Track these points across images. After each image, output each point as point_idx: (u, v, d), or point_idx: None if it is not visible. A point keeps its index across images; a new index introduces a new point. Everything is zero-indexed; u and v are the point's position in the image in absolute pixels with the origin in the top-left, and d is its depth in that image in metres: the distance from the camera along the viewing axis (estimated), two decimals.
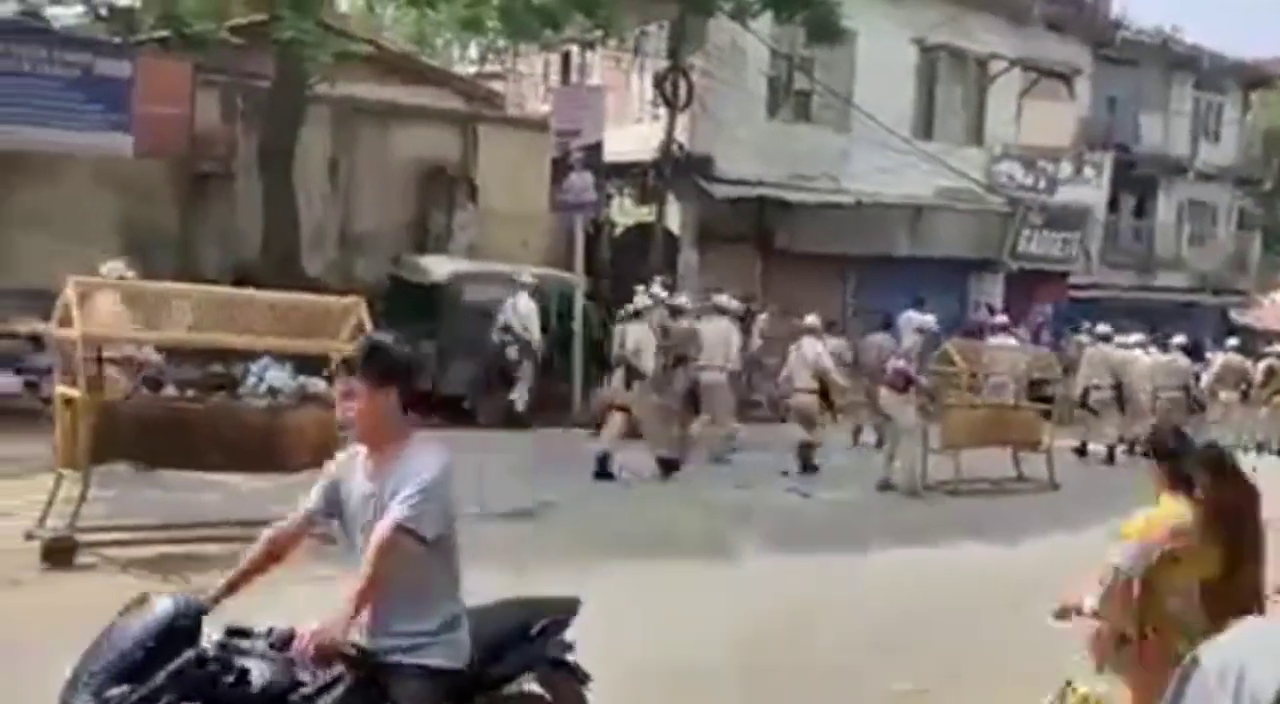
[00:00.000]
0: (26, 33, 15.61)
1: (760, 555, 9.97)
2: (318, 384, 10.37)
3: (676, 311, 14.44)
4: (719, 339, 14.58)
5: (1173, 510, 4.50)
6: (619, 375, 13.58)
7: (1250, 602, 4.27)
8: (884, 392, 13.94)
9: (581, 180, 18.35)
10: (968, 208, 24.60)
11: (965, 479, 13.63)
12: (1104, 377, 18.02)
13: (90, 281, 8.85)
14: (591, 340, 16.99)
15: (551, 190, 18.63)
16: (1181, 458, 4.56)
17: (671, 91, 20.26)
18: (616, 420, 13.33)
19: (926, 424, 13.82)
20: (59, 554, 7.88)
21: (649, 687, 6.54)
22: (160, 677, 3.54)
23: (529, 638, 4.42)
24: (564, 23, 19.01)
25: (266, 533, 4.22)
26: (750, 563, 9.77)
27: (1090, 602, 4.43)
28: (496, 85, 24.57)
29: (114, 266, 11.21)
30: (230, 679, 3.69)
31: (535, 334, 16.07)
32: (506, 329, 15.99)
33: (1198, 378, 19.41)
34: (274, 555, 4.23)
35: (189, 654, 3.63)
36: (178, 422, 8.89)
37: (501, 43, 22.95)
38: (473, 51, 27.23)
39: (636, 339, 13.54)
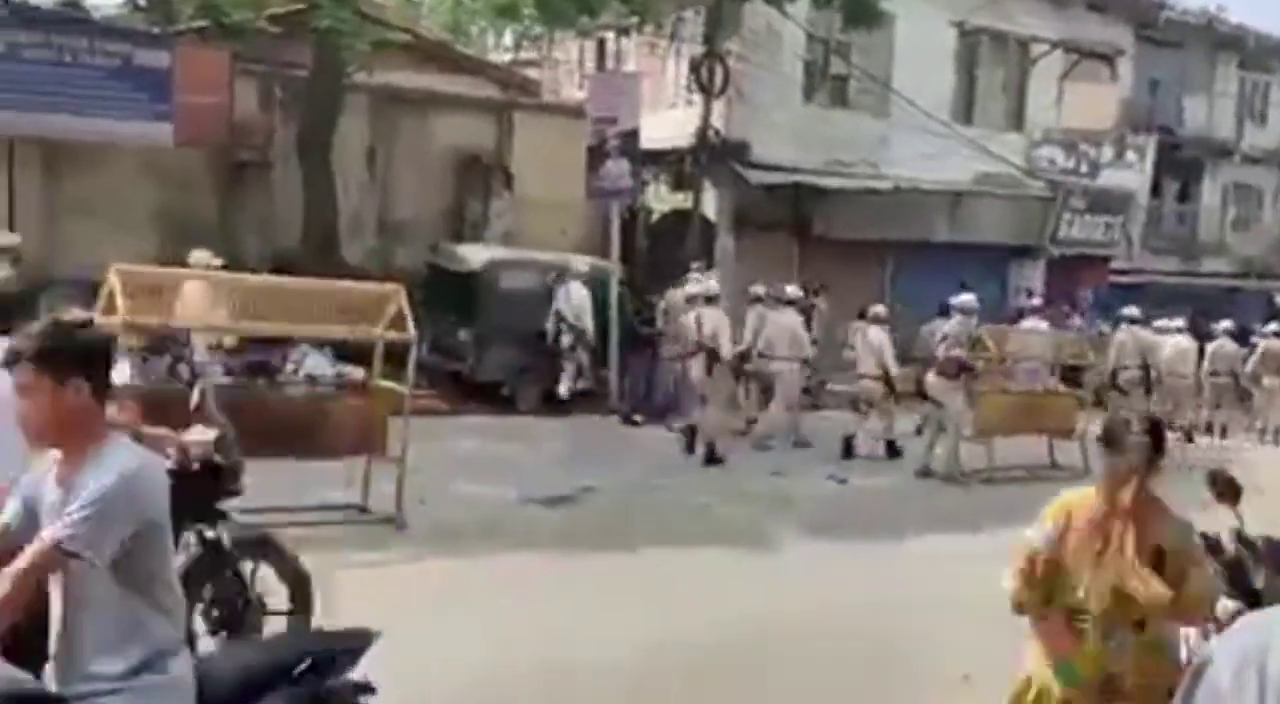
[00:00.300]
0: (67, 23, 15.71)
1: (797, 542, 9.97)
2: (357, 372, 10.41)
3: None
4: (787, 328, 14.89)
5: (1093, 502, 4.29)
6: (699, 361, 13.77)
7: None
8: (931, 377, 13.84)
9: (617, 167, 18.28)
10: (1008, 193, 24.36)
11: (999, 467, 13.52)
12: (1133, 358, 18.02)
13: (132, 269, 8.88)
14: (627, 328, 16.96)
15: (587, 177, 18.58)
16: (1124, 451, 4.28)
17: (707, 77, 20.15)
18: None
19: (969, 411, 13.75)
20: None
21: (678, 668, 6.53)
22: None
23: (291, 678, 3.73)
24: (599, 9, 18.91)
25: None
26: (787, 549, 9.76)
27: (1006, 578, 4.35)
28: (532, 73, 24.52)
29: (200, 256, 11.42)
30: None
31: (588, 323, 16.13)
32: (559, 317, 16.03)
33: (1245, 364, 19.30)
34: None
35: None
36: (223, 408, 8.89)
37: (537, 30, 22.86)
38: (508, 39, 27.16)
39: (714, 324, 13.79)
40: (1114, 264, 26.70)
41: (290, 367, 12.81)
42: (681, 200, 21.21)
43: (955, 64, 23.97)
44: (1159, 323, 19.06)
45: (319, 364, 11.93)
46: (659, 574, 8.60)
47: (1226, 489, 4.76)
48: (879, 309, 15.04)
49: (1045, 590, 4.28)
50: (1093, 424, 14.86)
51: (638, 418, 15.68)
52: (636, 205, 20.87)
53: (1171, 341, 18.67)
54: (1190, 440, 17.88)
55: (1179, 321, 19.20)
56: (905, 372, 15.13)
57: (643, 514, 10.48)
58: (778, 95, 21.17)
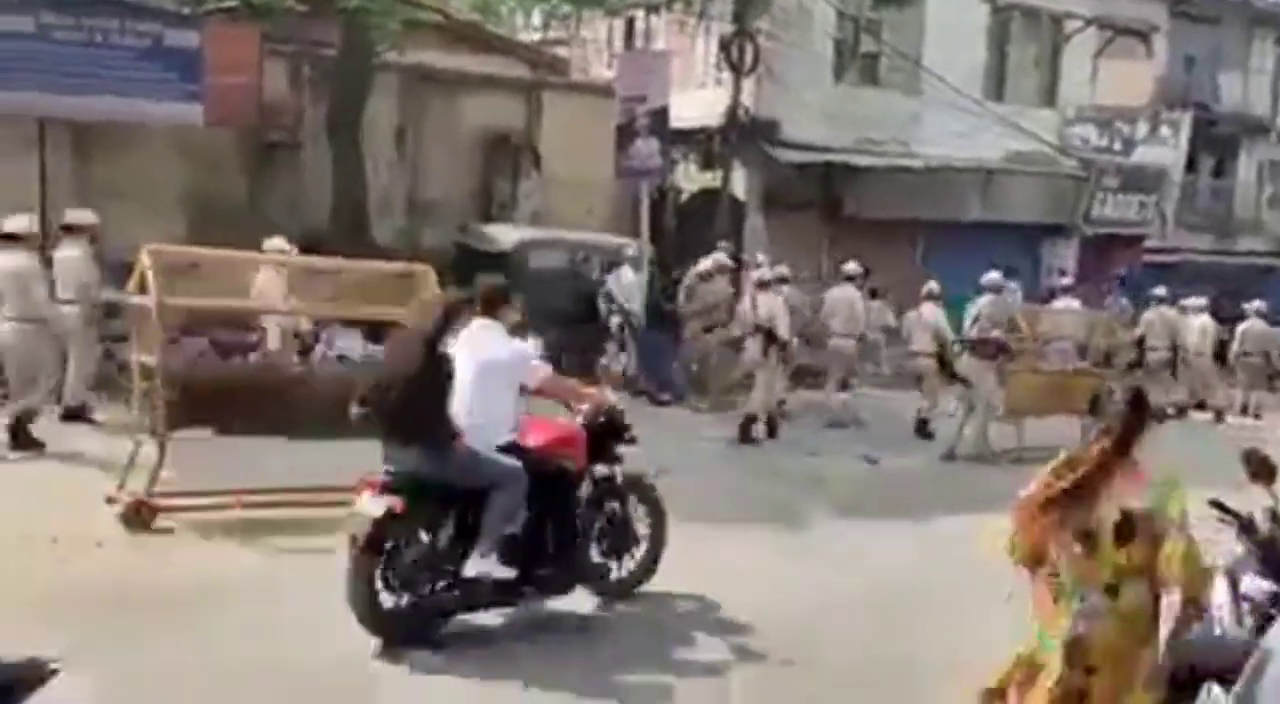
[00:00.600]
0: (97, 4, 15.70)
1: (830, 521, 9.96)
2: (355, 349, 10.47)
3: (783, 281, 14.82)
4: (847, 306, 15.07)
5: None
6: (756, 343, 13.85)
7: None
8: (966, 357, 13.78)
9: (646, 146, 18.25)
10: (1040, 171, 24.19)
11: (1029, 447, 13.45)
12: (1160, 339, 18.04)
13: (164, 249, 8.91)
14: (653, 307, 16.92)
15: (616, 157, 18.55)
16: (1105, 418, 4.46)
17: (737, 56, 20.05)
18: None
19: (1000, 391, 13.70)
20: (139, 518, 7.97)
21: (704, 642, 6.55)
22: None
23: None
24: None
25: None
26: (818, 528, 9.75)
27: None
28: (561, 52, 24.44)
29: (275, 243, 11.56)
30: None
31: (637, 306, 16.19)
32: (610, 298, 16.07)
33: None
34: None
35: None
36: (253, 388, 8.95)
37: (565, 9, 22.79)
38: (536, 18, 27.09)
39: (770, 307, 13.88)
40: (1148, 242, 26.48)
41: (320, 347, 12.87)
42: (711, 180, 21.15)
43: (987, 40, 23.79)
44: (1185, 302, 19.03)
45: (349, 344, 11.95)
46: (692, 553, 8.59)
47: (1261, 469, 4.75)
48: (933, 286, 15.07)
49: (1037, 552, 4.42)
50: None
51: (665, 396, 15.69)
52: (665, 185, 20.81)
53: (1198, 322, 18.65)
54: (1220, 420, 17.80)
55: (1201, 301, 19.12)
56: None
57: (676, 494, 10.44)
58: (808, 73, 21.05)
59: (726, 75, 20.47)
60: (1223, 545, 4.83)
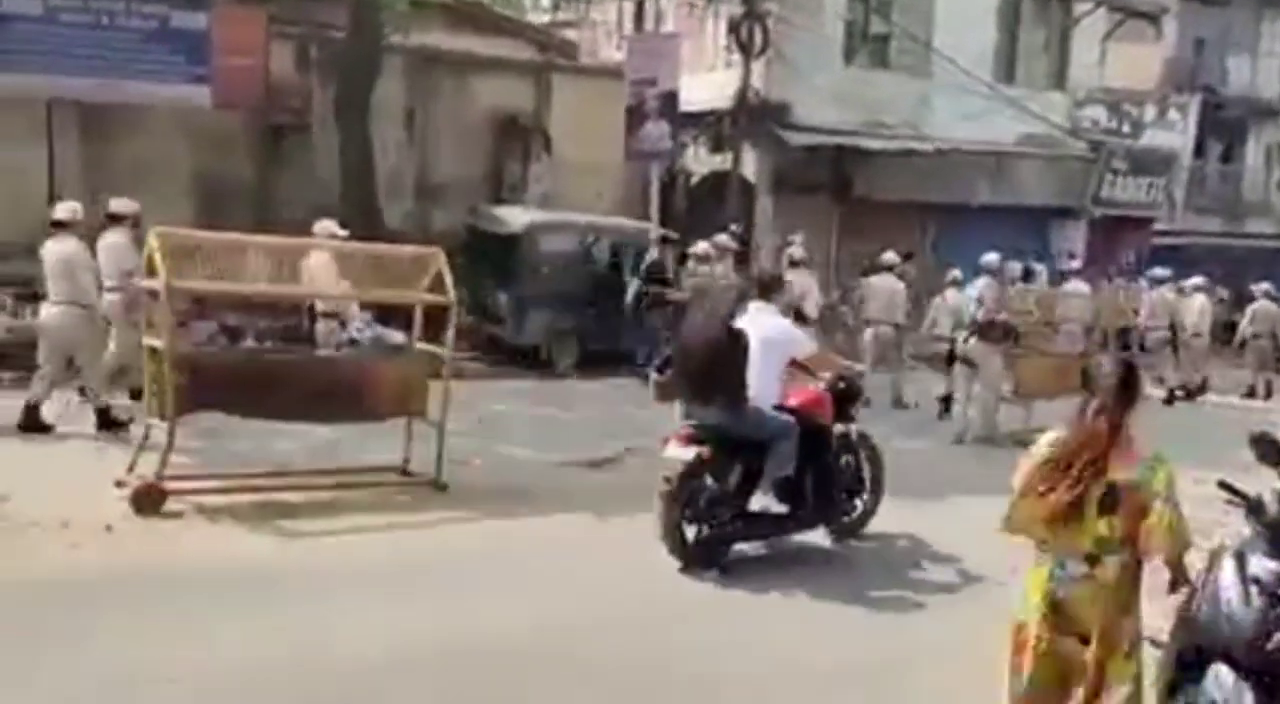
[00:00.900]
0: None
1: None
2: (394, 335, 10.44)
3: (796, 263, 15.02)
4: (887, 294, 15.29)
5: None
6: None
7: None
8: (974, 340, 13.76)
9: (656, 129, 18.24)
10: (1050, 153, 24.14)
11: (1037, 429, 13.40)
12: (1160, 319, 18.23)
13: (172, 232, 8.91)
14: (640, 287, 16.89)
15: (626, 139, 18.54)
16: (1095, 390, 4.55)
17: (747, 38, 20.00)
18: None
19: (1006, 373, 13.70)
20: (148, 502, 7.99)
21: (717, 620, 6.58)
22: None
23: None
24: None
25: None
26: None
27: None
28: (570, 34, 24.42)
29: (325, 225, 11.61)
30: None
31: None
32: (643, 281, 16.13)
33: None
34: None
35: None
36: (262, 372, 8.95)
37: None
38: (545, 0, 27.07)
39: (802, 287, 14.08)
40: (1157, 225, 26.44)
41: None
42: (721, 162, 21.12)
43: (997, 23, 23.73)
44: (1183, 283, 19.06)
45: (359, 327, 11.95)
46: None
47: (1269, 451, 4.73)
48: (957, 273, 15.18)
49: (1032, 523, 4.51)
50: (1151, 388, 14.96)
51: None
52: (675, 168, 20.79)
53: (1196, 302, 18.68)
54: (1191, 399, 17.90)
55: (1199, 281, 19.11)
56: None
57: None
58: (818, 56, 20.99)
59: (736, 58, 20.43)
60: (1230, 527, 4.82)
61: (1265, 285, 19.64)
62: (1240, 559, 4.36)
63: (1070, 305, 15.90)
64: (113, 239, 10.98)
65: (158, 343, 8.35)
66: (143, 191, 12.04)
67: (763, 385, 7.79)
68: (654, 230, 17.38)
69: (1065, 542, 4.42)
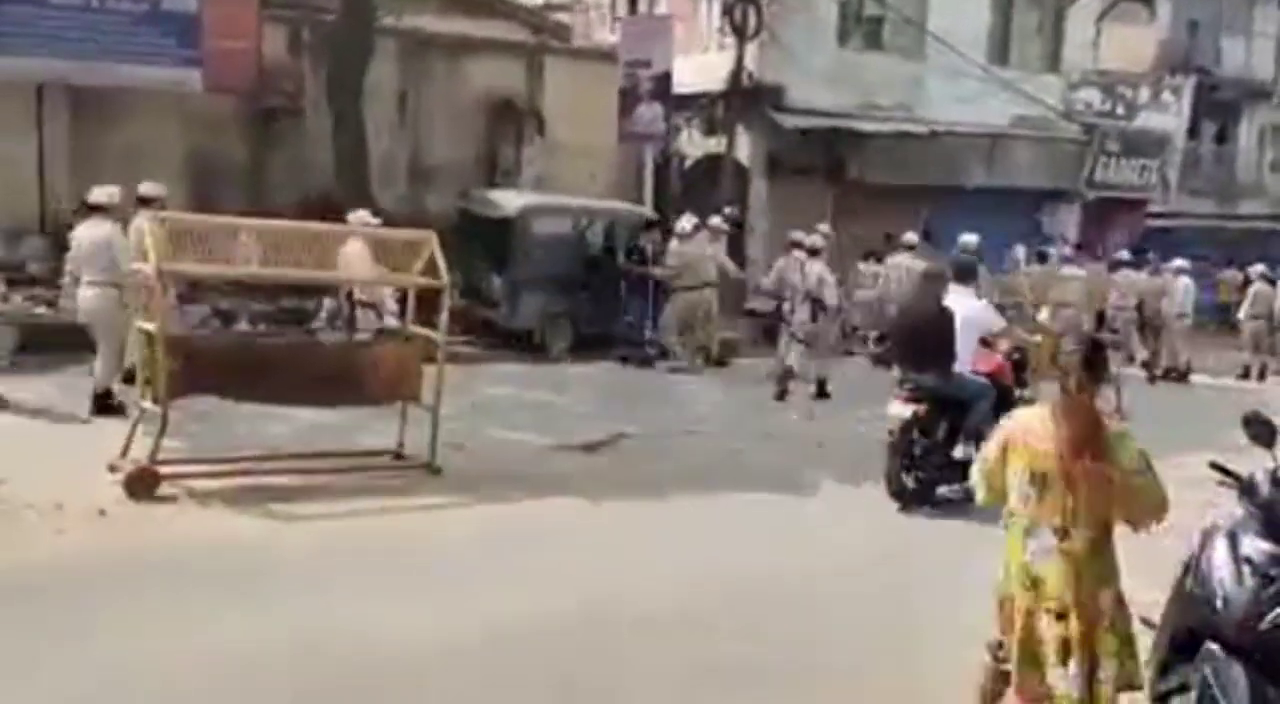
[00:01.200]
0: None
1: (829, 485, 9.97)
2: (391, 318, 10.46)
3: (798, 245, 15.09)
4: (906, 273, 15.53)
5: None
6: (805, 309, 14.32)
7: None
8: None
9: (650, 111, 18.20)
10: (1044, 136, 24.11)
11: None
12: (1128, 300, 18.43)
13: (165, 216, 8.90)
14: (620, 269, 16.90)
15: (620, 122, 18.49)
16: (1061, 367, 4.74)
17: (741, 20, 19.94)
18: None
19: None
20: (141, 486, 7.99)
21: (714, 609, 6.58)
22: None
23: None
24: None
25: None
26: (820, 493, 9.77)
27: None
28: (563, 17, 24.31)
29: (360, 215, 11.79)
30: None
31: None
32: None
33: None
34: None
35: None
36: (256, 356, 8.95)
37: None
38: None
39: (818, 274, 14.33)
40: (1150, 207, 26.45)
41: (324, 313, 12.88)
42: (714, 145, 21.07)
43: (991, 4, 23.67)
44: (1167, 265, 19.15)
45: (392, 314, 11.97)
46: (692, 518, 8.64)
47: (1263, 431, 4.74)
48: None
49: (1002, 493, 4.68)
50: (1121, 367, 15.02)
51: (646, 355, 15.77)
52: (669, 151, 20.74)
53: (1181, 284, 18.73)
54: (1153, 381, 17.98)
55: (1182, 263, 19.17)
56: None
57: (676, 459, 10.51)
58: (812, 38, 20.94)
59: (730, 40, 20.37)
60: (1222, 508, 4.83)
61: (1260, 267, 19.72)
62: (1233, 539, 4.38)
63: (1068, 288, 15.94)
64: (141, 223, 11.02)
65: (150, 326, 8.34)
66: (135, 176, 11.98)
67: (963, 355, 9.38)
68: (649, 214, 17.35)
69: (1036, 514, 4.50)
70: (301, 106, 17.80)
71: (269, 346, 9.61)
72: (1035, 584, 4.48)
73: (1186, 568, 4.55)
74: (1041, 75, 24.36)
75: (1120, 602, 4.49)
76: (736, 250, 18.40)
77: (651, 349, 15.86)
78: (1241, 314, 19.53)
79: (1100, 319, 17.80)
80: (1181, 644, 4.38)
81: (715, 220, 16.39)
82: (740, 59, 19.94)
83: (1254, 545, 4.30)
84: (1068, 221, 24.80)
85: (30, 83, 15.31)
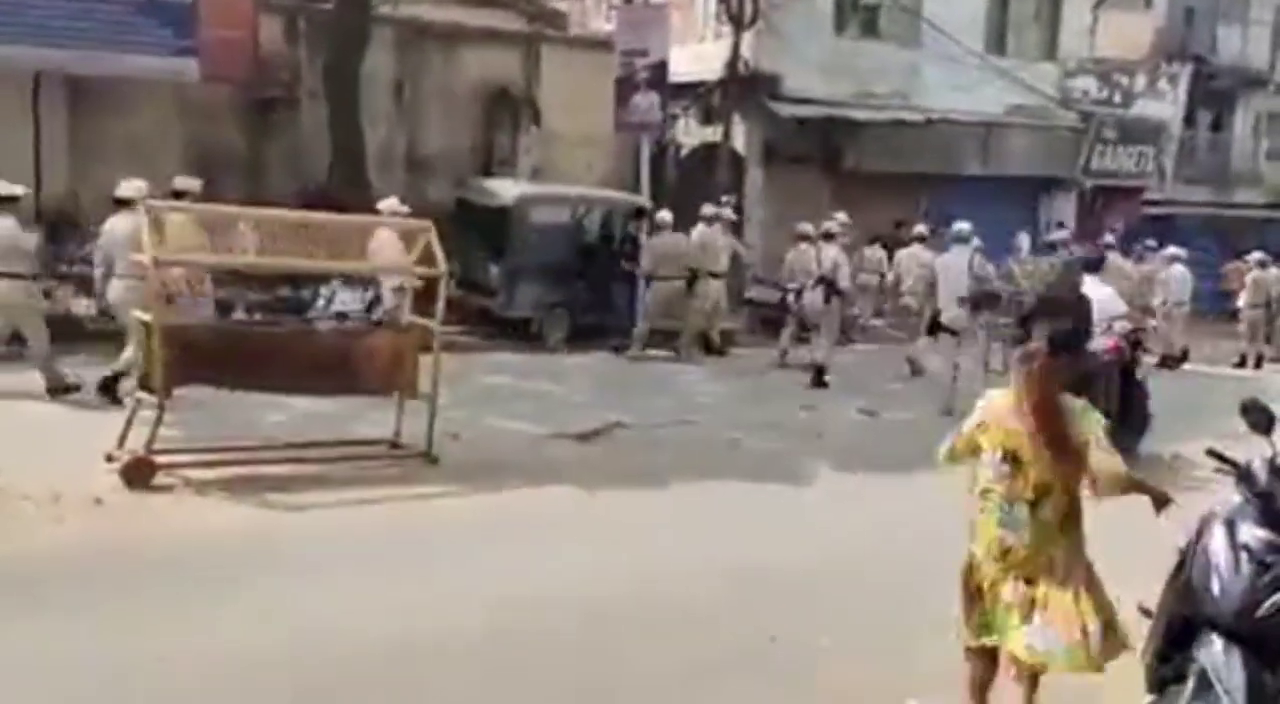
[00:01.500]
0: None
1: (824, 475, 9.97)
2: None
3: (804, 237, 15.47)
4: (958, 269, 14.80)
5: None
6: (818, 293, 14.61)
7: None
8: (956, 308, 13.73)
9: (646, 100, 18.12)
10: (1040, 124, 24.11)
11: None
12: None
13: (161, 205, 8.89)
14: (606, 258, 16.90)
15: (616, 111, 18.42)
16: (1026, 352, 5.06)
17: (737, 8, 19.94)
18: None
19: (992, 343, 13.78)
20: (138, 476, 7.98)
21: (709, 598, 6.58)
22: None
23: None
24: None
25: None
26: (815, 482, 9.77)
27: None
28: (559, 5, 24.27)
29: (389, 203, 12.18)
30: None
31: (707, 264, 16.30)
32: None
33: None
34: None
35: None
36: (253, 345, 8.94)
37: None
38: None
39: (833, 259, 14.68)
40: (1146, 195, 26.45)
41: (321, 302, 12.88)
42: (711, 134, 21.06)
43: None
44: (1162, 253, 19.16)
45: (350, 300, 11.96)
46: (689, 508, 8.64)
47: (1261, 418, 4.74)
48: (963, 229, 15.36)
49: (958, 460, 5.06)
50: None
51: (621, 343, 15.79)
52: (665, 139, 20.71)
53: (1177, 272, 18.72)
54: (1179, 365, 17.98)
55: (1177, 250, 19.16)
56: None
57: (673, 448, 10.51)
58: (808, 26, 20.93)
59: (726, 28, 20.36)
60: (1219, 495, 4.83)
61: (1258, 255, 19.72)
62: (1230, 527, 4.37)
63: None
64: (174, 217, 11.01)
65: (147, 316, 8.33)
66: (131, 166, 11.98)
67: (1094, 336, 10.43)
68: (645, 203, 17.34)
69: (1009, 489, 4.74)
70: (298, 96, 17.80)
71: (266, 336, 9.59)
72: (1005, 555, 4.74)
73: (1184, 556, 4.55)
74: (1038, 63, 24.34)
75: (1091, 571, 4.76)
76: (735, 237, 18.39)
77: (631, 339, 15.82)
78: (1241, 302, 19.52)
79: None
80: (1179, 632, 4.38)
81: (726, 211, 16.46)
82: (736, 48, 19.93)
83: (1251, 533, 4.29)
84: (1064, 210, 24.80)
85: (26, 72, 15.27)
